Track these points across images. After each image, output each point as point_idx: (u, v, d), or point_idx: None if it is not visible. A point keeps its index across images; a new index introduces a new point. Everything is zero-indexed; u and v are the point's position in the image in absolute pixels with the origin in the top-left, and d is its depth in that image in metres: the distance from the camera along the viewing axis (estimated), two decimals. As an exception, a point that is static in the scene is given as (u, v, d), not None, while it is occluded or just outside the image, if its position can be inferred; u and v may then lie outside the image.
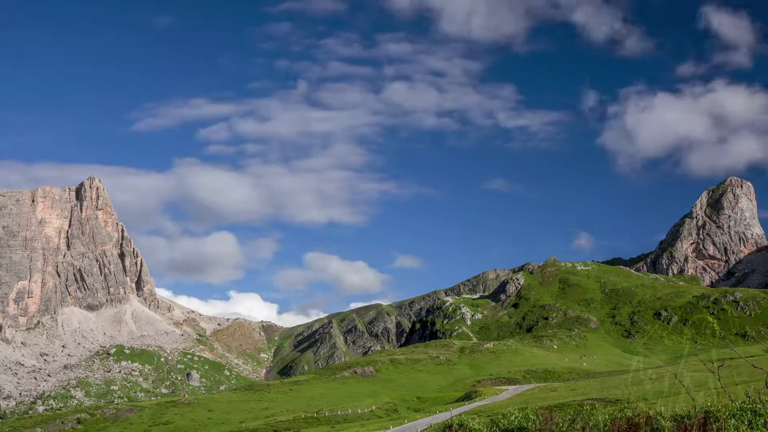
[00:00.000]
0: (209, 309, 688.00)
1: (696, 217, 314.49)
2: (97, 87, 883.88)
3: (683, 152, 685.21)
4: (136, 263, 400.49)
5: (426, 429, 40.51)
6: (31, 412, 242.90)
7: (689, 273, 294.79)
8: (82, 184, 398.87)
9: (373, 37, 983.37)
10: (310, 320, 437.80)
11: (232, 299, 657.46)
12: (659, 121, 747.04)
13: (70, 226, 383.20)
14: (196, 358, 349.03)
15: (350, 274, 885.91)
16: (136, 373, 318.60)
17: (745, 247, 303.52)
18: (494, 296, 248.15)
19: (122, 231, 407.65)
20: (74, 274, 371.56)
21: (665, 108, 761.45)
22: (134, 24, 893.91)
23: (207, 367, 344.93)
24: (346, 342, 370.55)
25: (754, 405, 15.34)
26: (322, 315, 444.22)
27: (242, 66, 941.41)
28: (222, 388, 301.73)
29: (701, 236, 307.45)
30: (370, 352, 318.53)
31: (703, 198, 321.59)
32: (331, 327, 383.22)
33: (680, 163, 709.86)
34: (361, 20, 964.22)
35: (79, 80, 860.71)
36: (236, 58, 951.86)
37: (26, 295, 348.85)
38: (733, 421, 14.54)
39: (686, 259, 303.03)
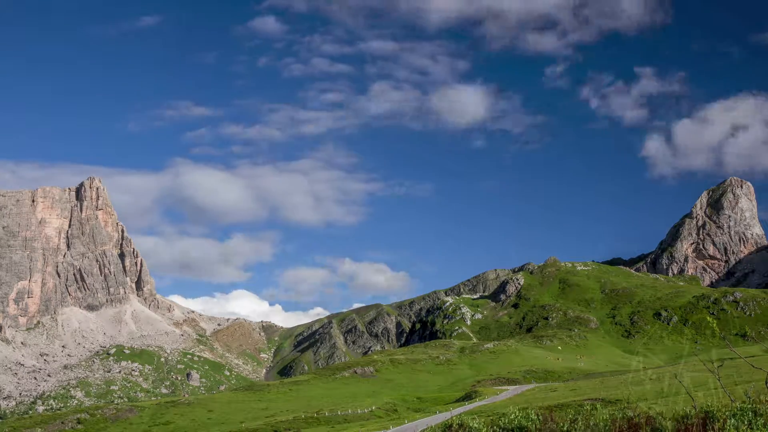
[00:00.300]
0: (208, 309, 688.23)
1: (696, 217, 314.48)
2: (82, 88, 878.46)
3: (724, 157, 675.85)
4: (136, 263, 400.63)
5: (426, 429, 40.51)
6: (31, 412, 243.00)
7: (689, 273, 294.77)
8: (82, 184, 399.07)
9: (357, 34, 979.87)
10: (310, 320, 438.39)
11: (233, 299, 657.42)
12: (702, 128, 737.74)
13: (70, 226, 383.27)
14: (196, 358, 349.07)
15: (362, 274, 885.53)
16: (136, 373, 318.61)
17: (745, 247, 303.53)
18: (494, 296, 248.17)
19: (122, 231, 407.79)
20: (74, 274, 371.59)
21: (711, 114, 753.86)
22: (118, 24, 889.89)
23: (207, 367, 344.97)
24: (346, 342, 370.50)
25: (754, 405, 15.35)
26: (323, 315, 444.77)
27: (227, 65, 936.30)
28: (222, 388, 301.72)
29: (701, 236, 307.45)
30: (370, 352, 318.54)
31: (703, 198, 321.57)
32: (331, 327, 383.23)
33: (720, 167, 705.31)
34: (347, 17, 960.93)
35: (63, 81, 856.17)
36: (221, 57, 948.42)
37: (26, 295, 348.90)
38: (732, 421, 14.54)
39: (686, 259, 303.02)
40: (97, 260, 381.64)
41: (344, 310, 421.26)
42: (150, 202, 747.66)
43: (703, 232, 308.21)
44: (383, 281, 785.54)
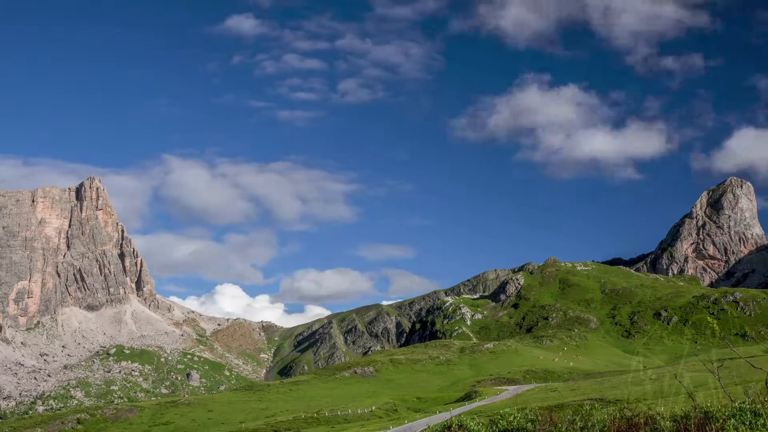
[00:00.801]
0: (207, 309, 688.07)
1: (696, 218, 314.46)
2: (67, 89, 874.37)
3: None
4: (136, 263, 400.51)
5: (425, 429, 40.52)
6: (31, 412, 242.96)
7: (689, 273, 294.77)
8: (82, 184, 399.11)
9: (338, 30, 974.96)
10: (310, 320, 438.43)
11: (232, 299, 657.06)
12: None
13: (70, 226, 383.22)
14: (196, 359, 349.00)
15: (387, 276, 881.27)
16: (136, 373, 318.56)
17: (745, 247, 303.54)
18: (494, 296, 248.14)
19: (122, 231, 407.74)
20: (74, 274, 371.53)
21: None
22: (93, 23, 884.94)
23: (207, 367, 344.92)
24: (346, 342, 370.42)
25: (754, 405, 15.33)
26: (322, 315, 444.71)
27: (202, 63, 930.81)
28: (222, 388, 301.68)
29: (701, 236, 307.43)
30: (370, 352, 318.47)
31: (703, 198, 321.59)
32: (331, 327, 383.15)
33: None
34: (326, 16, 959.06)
35: (47, 81, 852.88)
36: (195, 56, 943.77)
37: (26, 295, 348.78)
38: (732, 421, 14.53)
39: (686, 260, 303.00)
40: (97, 260, 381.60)
41: (344, 311, 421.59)
42: (141, 203, 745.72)
43: (703, 232, 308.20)
44: (409, 284, 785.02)
